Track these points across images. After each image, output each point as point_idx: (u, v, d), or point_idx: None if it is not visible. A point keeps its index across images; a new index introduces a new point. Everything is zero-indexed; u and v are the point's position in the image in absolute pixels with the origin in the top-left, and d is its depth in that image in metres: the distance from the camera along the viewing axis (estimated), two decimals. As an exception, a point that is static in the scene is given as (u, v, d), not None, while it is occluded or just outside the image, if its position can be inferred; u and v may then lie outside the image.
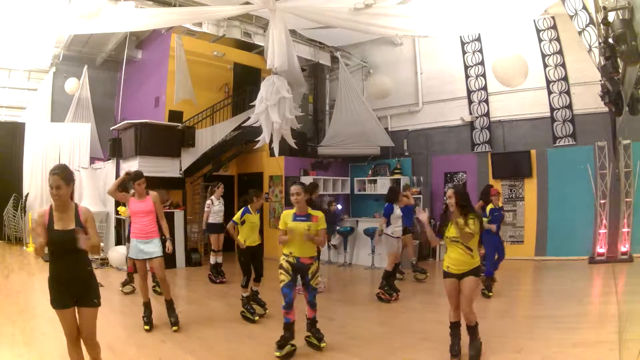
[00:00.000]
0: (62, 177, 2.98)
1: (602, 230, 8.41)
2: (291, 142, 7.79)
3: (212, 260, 7.66)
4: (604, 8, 4.12)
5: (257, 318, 5.34)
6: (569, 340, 4.20)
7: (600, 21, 4.34)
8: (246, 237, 5.44)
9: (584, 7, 5.55)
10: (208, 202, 7.73)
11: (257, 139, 7.63)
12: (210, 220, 7.67)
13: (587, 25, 5.66)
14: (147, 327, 4.79)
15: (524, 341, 4.32)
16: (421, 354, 4.18)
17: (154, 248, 4.85)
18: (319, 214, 4.22)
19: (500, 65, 7.91)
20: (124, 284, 6.68)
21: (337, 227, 9.66)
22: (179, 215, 9.18)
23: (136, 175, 4.95)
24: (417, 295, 6.91)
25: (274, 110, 6.95)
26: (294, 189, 4.19)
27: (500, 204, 6.73)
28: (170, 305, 4.92)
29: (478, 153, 10.20)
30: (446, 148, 10.77)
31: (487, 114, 10.08)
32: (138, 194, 4.93)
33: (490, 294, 6.29)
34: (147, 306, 4.91)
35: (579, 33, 5.93)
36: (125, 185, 5.38)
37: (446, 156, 10.73)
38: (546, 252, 9.12)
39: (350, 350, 4.30)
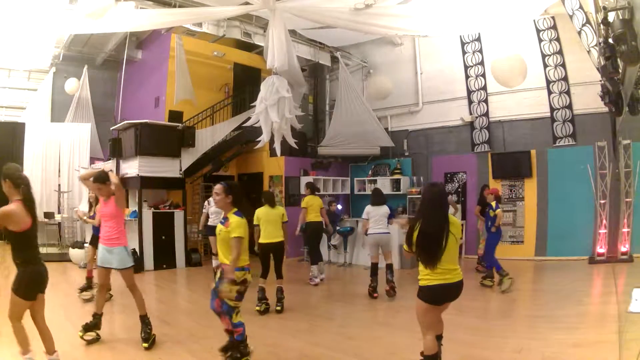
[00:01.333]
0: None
1: (602, 230, 8.41)
2: (292, 141, 7.80)
3: (214, 263, 7.41)
4: (604, 8, 4.12)
5: (257, 308, 5.59)
6: (569, 340, 4.20)
7: (600, 21, 4.34)
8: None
9: (580, 7, 5.55)
10: (206, 202, 7.67)
11: (257, 139, 7.63)
12: (209, 222, 7.52)
13: (583, 25, 5.66)
14: (81, 335, 4.29)
15: (524, 341, 4.31)
16: (421, 354, 4.17)
17: (117, 258, 4.40)
18: (234, 219, 3.69)
19: (498, 65, 7.92)
20: (81, 290, 6.15)
21: (337, 227, 9.66)
22: (179, 215, 9.19)
23: (94, 177, 4.45)
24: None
25: (273, 110, 6.96)
26: (215, 188, 3.89)
27: (492, 202, 6.96)
28: (144, 321, 4.39)
29: (478, 153, 10.20)
30: (446, 148, 10.77)
31: (486, 114, 10.08)
32: (104, 196, 4.49)
33: (490, 283, 6.74)
34: (95, 317, 4.43)
35: (578, 33, 5.94)
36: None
37: (446, 156, 10.73)
38: (546, 252, 9.12)
39: (350, 350, 4.29)
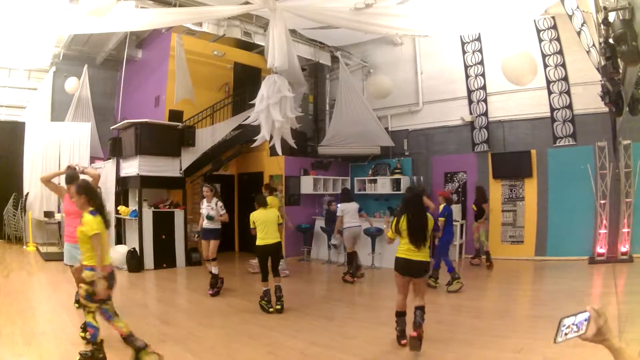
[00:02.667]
0: None
1: (602, 231, 8.41)
2: (291, 141, 7.78)
3: (210, 269, 6.93)
4: (605, 8, 4.12)
5: (271, 310, 5.67)
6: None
7: (600, 21, 4.34)
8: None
9: (578, 7, 5.56)
10: (201, 202, 7.27)
11: (255, 138, 7.61)
12: (203, 225, 7.02)
13: (582, 25, 5.67)
14: (82, 335, 4.29)
15: (524, 341, 4.32)
16: (421, 354, 4.18)
17: None
18: (87, 218, 3.71)
19: (509, 63, 7.80)
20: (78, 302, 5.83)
21: (337, 227, 9.66)
22: (179, 214, 9.19)
23: (69, 178, 4.40)
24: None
25: (275, 109, 6.94)
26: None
27: (442, 205, 7.22)
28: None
29: (478, 153, 10.20)
30: (446, 148, 10.77)
31: (485, 114, 10.08)
32: (71, 194, 4.32)
33: (434, 284, 6.89)
34: None
35: (578, 33, 5.94)
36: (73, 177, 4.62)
37: (446, 156, 10.73)
38: (546, 252, 9.12)
39: (350, 350, 4.30)
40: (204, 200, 7.12)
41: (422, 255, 4.36)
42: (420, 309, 4.30)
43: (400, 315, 4.46)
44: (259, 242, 5.84)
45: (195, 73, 10.31)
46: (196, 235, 7.23)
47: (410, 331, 4.21)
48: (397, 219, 4.45)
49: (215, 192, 7.23)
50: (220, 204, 6.97)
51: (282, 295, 5.75)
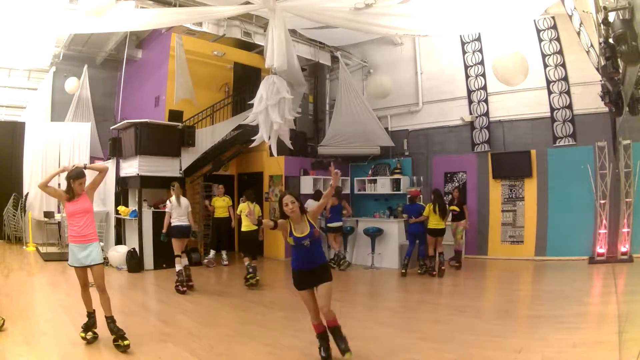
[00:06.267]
0: None
1: (602, 231, 8.41)
2: (288, 142, 7.78)
3: (177, 267, 6.89)
4: (605, 8, 4.12)
5: (251, 280, 6.92)
6: (569, 340, 4.20)
7: (600, 21, 4.34)
8: None
9: (575, 8, 5.55)
10: (167, 201, 7.12)
11: (252, 138, 7.62)
12: (172, 222, 7.00)
13: (581, 25, 5.66)
14: (83, 335, 4.31)
15: (524, 341, 4.31)
16: (421, 354, 4.18)
17: (93, 254, 4.36)
18: None
19: (499, 64, 7.85)
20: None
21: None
22: (178, 214, 9.17)
23: (77, 174, 4.36)
24: (416, 295, 6.92)
25: (274, 110, 6.95)
26: None
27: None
28: (111, 321, 4.34)
29: (478, 153, 10.20)
30: (446, 148, 10.77)
31: (486, 114, 10.08)
32: (76, 193, 4.39)
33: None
34: (90, 316, 4.44)
35: (578, 33, 5.95)
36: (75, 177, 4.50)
37: (446, 156, 10.73)
38: (546, 252, 9.12)
39: (350, 350, 4.28)
40: (172, 199, 7.04)
41: (442, 225, 7.90)
42: (441, 254, 7.94)
43: (432, 257, 7.93)
44: (243, 228, 7.38)
45: (195, 73, 10.30)
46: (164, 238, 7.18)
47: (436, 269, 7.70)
48: (431, 205, 7.93)
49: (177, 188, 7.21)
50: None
51: (254, 273, 7.06)
